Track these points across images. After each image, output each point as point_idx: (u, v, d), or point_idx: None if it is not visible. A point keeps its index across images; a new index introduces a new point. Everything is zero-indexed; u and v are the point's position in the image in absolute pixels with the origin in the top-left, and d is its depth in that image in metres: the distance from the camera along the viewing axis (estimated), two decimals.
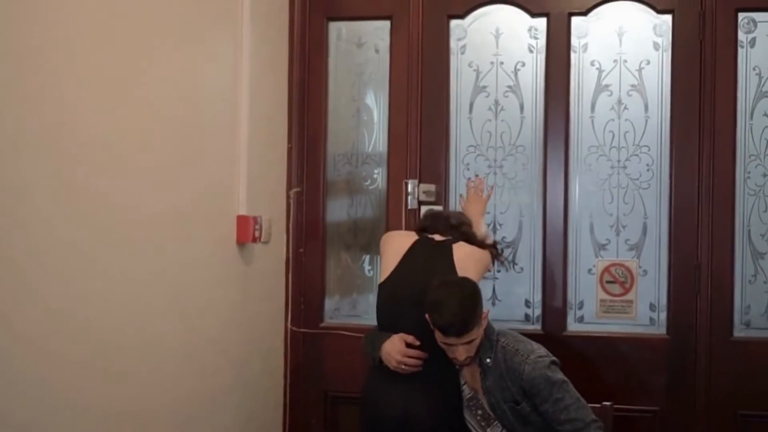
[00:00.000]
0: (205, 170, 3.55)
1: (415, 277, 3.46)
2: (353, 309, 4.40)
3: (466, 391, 3.41)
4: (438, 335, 3.24)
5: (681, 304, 4.08)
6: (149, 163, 3.11)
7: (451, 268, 3.45)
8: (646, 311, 4.13)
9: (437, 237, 3.63)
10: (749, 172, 4.06)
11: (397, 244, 3.63)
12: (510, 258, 4.12)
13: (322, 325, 4.36)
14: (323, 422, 4.35)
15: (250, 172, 3.87)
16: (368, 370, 3.56)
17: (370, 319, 4.19)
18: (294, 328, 4.35)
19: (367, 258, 4.40)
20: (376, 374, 3.51)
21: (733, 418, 4.01)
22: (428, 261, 3.52)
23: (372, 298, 4.30)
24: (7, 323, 2.42)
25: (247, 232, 3.85)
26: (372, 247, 4.36)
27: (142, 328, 3.09)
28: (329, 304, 4.41)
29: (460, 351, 3.22)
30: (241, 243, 3.86)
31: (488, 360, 3.30)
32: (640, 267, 4.13)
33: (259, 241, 3.96)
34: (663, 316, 4.11)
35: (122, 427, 2.97)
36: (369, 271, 4.39)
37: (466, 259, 3.50)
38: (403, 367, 3.38)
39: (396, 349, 3.40)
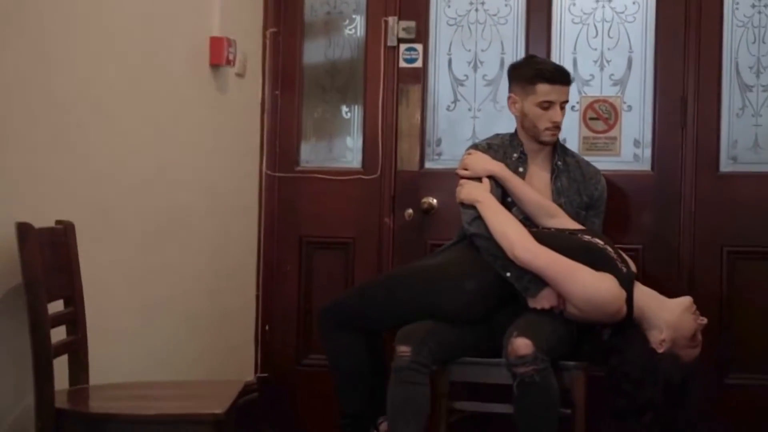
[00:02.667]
0: None
1: None
2: (330, 153, 4.28)
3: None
4: (539, 91, 3.34)
5: (666, 139, 3.97)
6: None
7: None
8: (630, 148, 4.01)
9: None
10: (737, 3, 3.91)
11: None
12: None
13: (298, 168, 4.26)
14: (298, 268, 4.25)
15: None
16: None
17: (347, 162, 4.18)
18: (269, 172, 4.25)
19: (344, 100, 4.28)
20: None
21: (719, 254, 3.91)
22: None
23: (350, 141, 4.22)
24: None
25: (221, 53, 3.75)
26: (350, 89, 4.26)
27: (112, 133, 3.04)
28: (305, 147, 4.29)
29: (559, 112, 3.35)
30: (214, 65, 3.76)
31: (560, 162, 3.43)
32: (624, 102, 4.01)
33: (233, 65, 3.85)
34: (648, 152, 3.99)
35: (98, 235, 2.92)
36: (347, 113, 4.27)
37: None
38: None
39: None
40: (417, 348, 3.14)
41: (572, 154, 3.57)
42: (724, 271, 3.88)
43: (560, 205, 3.42)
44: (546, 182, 3.45)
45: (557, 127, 3.41)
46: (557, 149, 3.52)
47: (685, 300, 3.17)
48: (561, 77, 3.39)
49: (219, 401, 2.62)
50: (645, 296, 3.14)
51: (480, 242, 3.25)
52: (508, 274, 3.19)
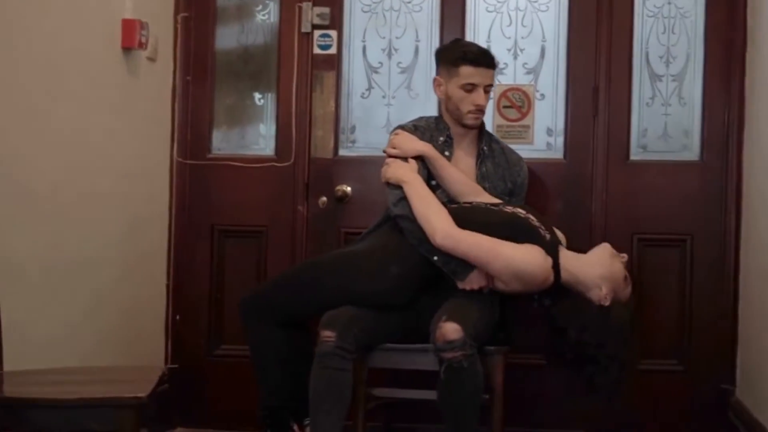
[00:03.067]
0: None
1: None
2: (242, 140, 4.21)
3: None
4: (462, 73, 3.33)
5: (578, 128, 4.00)
6: None
7: None
8: (543, 136, 4.03)
9: None
10: None
11: None
12: None
13: (210, 156, 4.18)
14: (210, 256, 4.17)
15: None
16: None
17: (260, 150, 4.13)
18: (180, 159, 4.15)
19: (257, 87, 4.21)
20: None
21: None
22: None
23: (263, 128, 4.17)
24: None
25: (133, 36, 3.65)
26: (263, 75, 4.19)
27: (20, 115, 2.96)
28: (217, 134, 4.21)
29: (483, 95, 3.32)
30: (126, 48, 3.67)
31: (485, 147, 3.41)
32: (537, 91, 4.03)
33: (145, 48, 3.76)
34: (560, 140, 4.01)
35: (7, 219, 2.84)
36: (259, 100, 4.20)
37: None
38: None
39: None
40: (342, 333, 3.09)
41: (497, 140, 3.56)
42: (634, 258, 3.91)
43: (484, 189, 3.42)
44: (471, 167, 3.43)
45: (480, 110, 3.39)
46: (483, 134, 3.50)
47: (605, 247, 3.21)
48: (485, 60, 3.36)
49: (140, 385, 2.57)
50: (572, 260, 3.15)
51: (405, 224, 3.22)
52: (435, 258, 3.16)
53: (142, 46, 3.73)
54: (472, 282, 3.15)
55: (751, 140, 3.79)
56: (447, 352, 3.00)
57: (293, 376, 3.31)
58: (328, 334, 3.10)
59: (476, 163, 3.44)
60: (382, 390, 3.47)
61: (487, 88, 3.40)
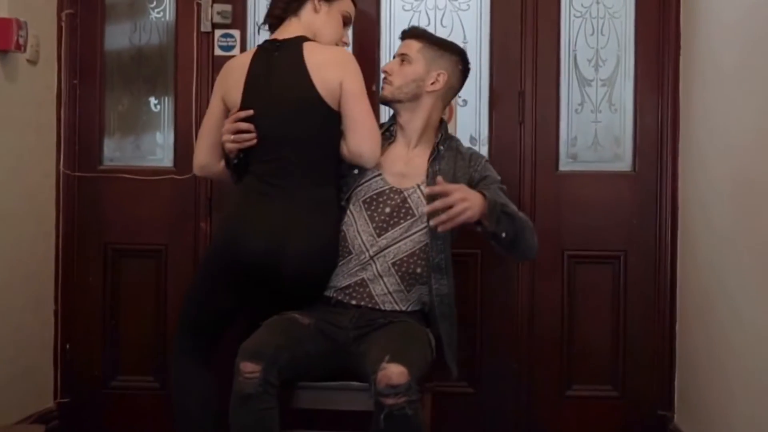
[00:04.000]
0: None
1: (264, 102, 3.03)
2: (137, 149, 3.88)
3: (378, 183, 3.09)
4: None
5: (503, 136, 3.75)
6: None
7: (306, 84, 2.98)
8: (466, 144, 3.64)
9: (283, 35, 3.12)
10: None
11: (237, 68, 3.12)
12: None
13: (101, 167, 3.84)
14: (103, 278, 3.83)
15: None
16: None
17: (157, 161, 3.87)
18: (68, 172, 3.81)
19: (153, 91, 3.88)
20: (238, 199, 3.08)
21: (560, 259, 3.74)
22: (273, 75, 3.04)
23: (160, 136, 3.87)
24: None
25: (9, 37, 3.33)
26: (159, 78, 3.87)
27: None
28: (109, 143, 3.87)
29: (393, 64, 3.13)
30: (2, 50, 3.34)
31: (442, 147, 3.13)
32: (459, 96, 3.70)
33: (23, 50, 3.43)
34: (485, 149, 3.74)
35: None
36: (156, 106, 3.88)
37: (325, 66, 3.01)
38: (230, 142, 3.02)
39: (225, 127, 3.02)
40: (267, 366, 2.74)
41: (460, 143, 3.27)
42: (564, 276, 3.72)
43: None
44: (422, 165, 3.12)
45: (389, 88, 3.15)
46: (442, 135, 3.20)
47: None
48: (411, 30, 3.24)
49: None
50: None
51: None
52: None
53: (20, 48, 3.40)
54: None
55: (686, 148, 3.60)
56: (389, 397, 2.66)
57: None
58: (251, 369, 2.74)
59: (428, 161, 3.13)
60: None
61: (407, 64, 3.13)
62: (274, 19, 3.15)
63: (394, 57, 3.20)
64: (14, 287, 3.49)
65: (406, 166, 3.14)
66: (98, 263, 3.82)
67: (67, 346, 3.82)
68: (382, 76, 3.17)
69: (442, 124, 3.21)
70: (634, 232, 3.70)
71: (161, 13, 3.84)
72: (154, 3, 3.85)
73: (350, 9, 3.22)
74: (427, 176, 3.08)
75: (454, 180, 3.03)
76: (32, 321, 3.66)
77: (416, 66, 3.13)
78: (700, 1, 3.46)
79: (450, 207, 2.78)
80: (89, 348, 3.83)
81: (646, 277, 3.70)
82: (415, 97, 3.13)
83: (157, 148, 3.86)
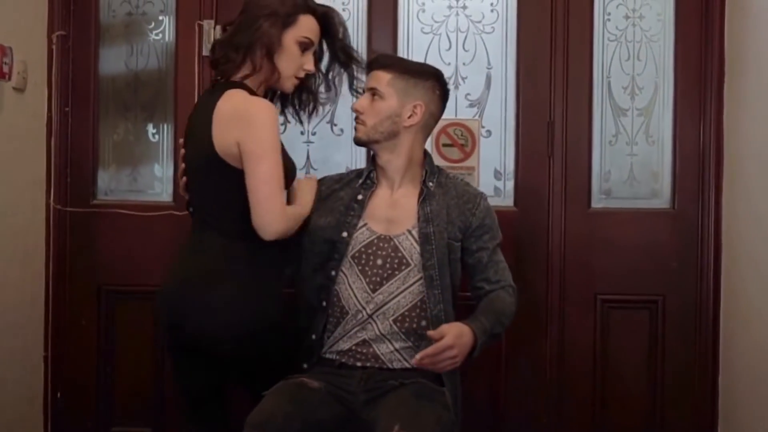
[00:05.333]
0: None
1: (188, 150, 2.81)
2: (134, 183, 3.69)
3: (364, 234, 2.83)
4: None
5: (531, 170, 3.53)
6: None
7: (207, 140, 2.65)
8: (490, 179, 3.55)
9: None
10: (609, 14, 3.53)
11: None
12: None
13: (95, 202, 3.65)
14: (97, 322, 3.64)
15: None
16: None
17: (155, 195, 3.73)
18: (58, 207, 3.61)
19: (151, 119, 3.67)
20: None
21: (592, 303, 3.52)
22: (193, 124, 2.79)
23: (158, 168, 3.67)
24: None
25: None
26: (158, 105, 3.66)
27: None
28: (104, 176, 3.68)
29: (363, 101, 2.83)
30: None
31: (431, 183, 2.87)
32: (482, 127, 3.56)
33: (8, 79, 3.22)
34: (510, 185, 3.55)
35: None
36: (154, 135, 3.68)
37: (226, 122, 2.64)
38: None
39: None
40: None
41: (448, 175, 2.98)
42: (597, 322, 3.51)
43: (425, 240, 2.81)
44: (412, 209, 2.85)
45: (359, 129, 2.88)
46: (427, 170, 2.91)
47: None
48: (380, 61, 2.89)
49: None
50: None
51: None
52: None
53: (4, 76, 3.20)
54: None
55: (731, 184, 3.38)
56: None
57: None
58: None
59: (418, 202, 2.85)
60: None
61: (377, 99, 2.83)
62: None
63: (362, 92, 2.90)
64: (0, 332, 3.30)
65: (392, 210, 2.86)
66: (91, 306, 3.64)
67: (58, 395, 3.66)
68: (354, 115, 2.88)
69: (427, 158, 2.92)
70: (673, 276, 3.49)
71: (160, 35, 3.64)
72: (153, 24, 3.64)
73: (308, 32, 2.78)
74: (419, 219, 2.82)
75: (448, 221, 2.80)
76: (19, 369, 3.47)
77: (389, 101, 2.82)
78: (748, 22, 3.24)
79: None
80: (81, 397, 3.66)
81: (686, 325, 3.49)
82: (393, 135, 2.83)
83: (156, 181, 3.67)
